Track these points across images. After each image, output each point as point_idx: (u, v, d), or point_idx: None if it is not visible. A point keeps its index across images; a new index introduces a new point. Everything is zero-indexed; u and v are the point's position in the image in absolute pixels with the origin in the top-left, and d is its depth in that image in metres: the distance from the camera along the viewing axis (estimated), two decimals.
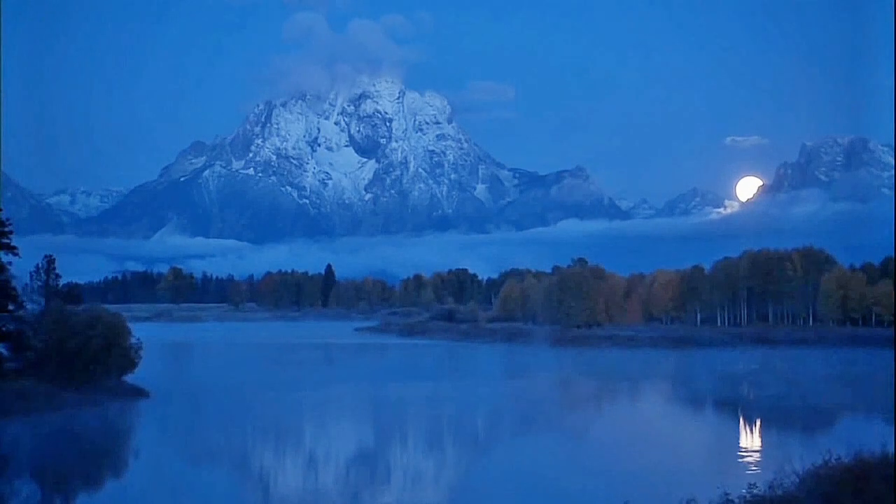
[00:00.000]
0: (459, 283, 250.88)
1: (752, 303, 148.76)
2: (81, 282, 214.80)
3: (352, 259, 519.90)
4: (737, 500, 24.89)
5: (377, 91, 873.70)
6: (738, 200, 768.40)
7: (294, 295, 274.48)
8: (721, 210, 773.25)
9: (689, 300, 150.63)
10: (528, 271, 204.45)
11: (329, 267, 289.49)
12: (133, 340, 63.99)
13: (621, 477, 37.42)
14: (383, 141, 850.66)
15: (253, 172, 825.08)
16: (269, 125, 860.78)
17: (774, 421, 57.23)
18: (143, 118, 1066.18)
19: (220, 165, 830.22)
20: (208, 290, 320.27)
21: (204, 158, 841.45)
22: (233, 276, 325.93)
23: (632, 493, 30.05)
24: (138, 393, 63.01)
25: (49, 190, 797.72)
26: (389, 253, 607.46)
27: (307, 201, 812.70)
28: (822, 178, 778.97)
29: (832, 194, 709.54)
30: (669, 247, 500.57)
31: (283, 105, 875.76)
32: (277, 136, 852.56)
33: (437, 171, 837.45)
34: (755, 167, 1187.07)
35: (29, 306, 61.44)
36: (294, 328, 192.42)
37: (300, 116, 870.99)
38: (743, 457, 42.34)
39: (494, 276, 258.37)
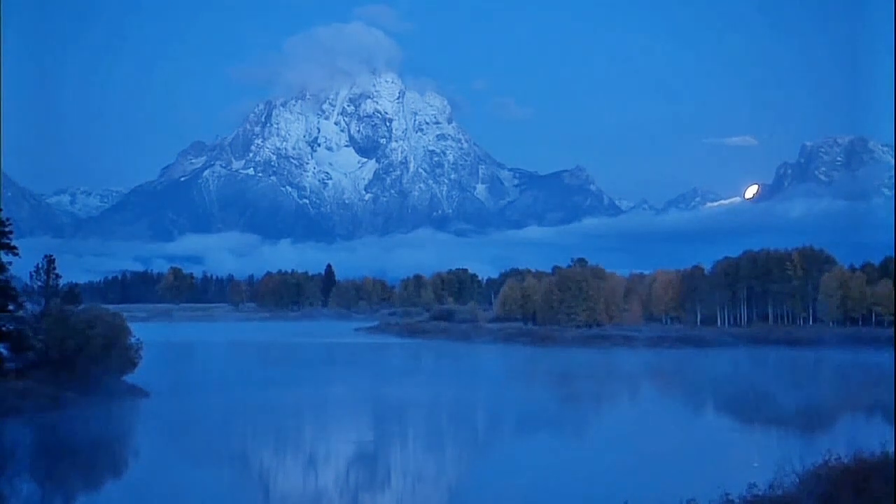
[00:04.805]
0: (459, 283, 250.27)
1: (752, 303, 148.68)
2: (81, 282, 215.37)
3: (352, 259, 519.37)
4: (737, 500, 24.87)
5: (377, 91, 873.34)
6: (739, 201, 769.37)
7: (294, 295, 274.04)
8: (722, 202, 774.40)
9: (689, 300, 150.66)
10: (528, 271, 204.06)
11: (329, 267, 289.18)
12: (133, 340, 64.07)
13: (621, 476, 37.39)
14: (383, 141, 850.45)
15: (253, 172, 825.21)
16: (268, 125, 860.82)
17: (772, 421, 57.19)
18: (143, 118, 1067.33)
19: (220, 165, 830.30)
20: (208, 290, 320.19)
21: (204, 158, 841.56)
22: (232, 276, 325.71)
23: (632, 493, 30.02)
24: (138, 393, 63.00)
25: (49, 190, 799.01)
26: (389, 253, 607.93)
27: (307, 201, 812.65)
28: (822, 178, 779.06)
29: (832, 194, 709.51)
30: (669, 247, 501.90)
31: (283, 105, 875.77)
32: (277, 136, 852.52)
33: (437, 171, 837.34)
34: (755, 167, 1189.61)
35: (29, 306, 61.39)
36: (294, 328, 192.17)
37: (300, 116, 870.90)
38: (743, 457, 42.31)
39: (494, 276, 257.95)
